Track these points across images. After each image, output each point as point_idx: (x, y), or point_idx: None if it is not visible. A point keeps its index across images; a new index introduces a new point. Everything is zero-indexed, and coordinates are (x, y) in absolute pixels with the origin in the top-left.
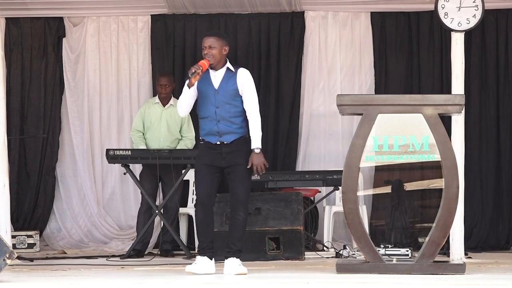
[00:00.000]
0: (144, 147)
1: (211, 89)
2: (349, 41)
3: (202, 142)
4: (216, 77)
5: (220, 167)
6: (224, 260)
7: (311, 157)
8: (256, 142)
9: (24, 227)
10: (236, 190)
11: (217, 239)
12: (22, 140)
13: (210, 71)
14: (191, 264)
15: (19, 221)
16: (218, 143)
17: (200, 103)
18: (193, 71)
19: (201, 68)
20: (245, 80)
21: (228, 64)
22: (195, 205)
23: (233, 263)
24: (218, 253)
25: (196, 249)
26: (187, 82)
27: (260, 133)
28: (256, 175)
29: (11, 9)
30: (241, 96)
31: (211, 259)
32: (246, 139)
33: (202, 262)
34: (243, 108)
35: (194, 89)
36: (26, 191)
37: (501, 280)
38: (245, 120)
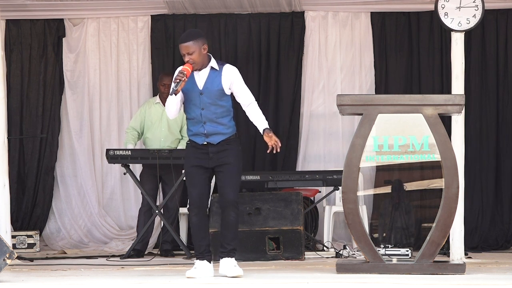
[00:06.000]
0: (132, 146)
1: (195, 90)
2: (349, 41)
3: (189, 142)
4: (200, 77)
5: (208, 167)
6: (219, 260)
7: (311, 157)
8: (264, 124)
9: (23, 227)
10: (225, 190)
11: (215, 239)
12: (22, 140)
13: (194, 71)
14: (190, 264)
15: (18, 221)
16: (205, 143)
17: (186, 104)
18: (178, 80)
19: (185, 74)
20: (232, 77)
21: (212, 62)
22: (188, 209)
23: (228, 264)
24: (216, 253)
25: (194, 253)
26: (172, 88)
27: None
28: (274, 152)
29: (12, 10)
30: (227, 95)
31: (210, 262)
32: (235, 138)
33: (202, 267)
34: (230, 107)
35: (180, 93)
36: (25, 191)
37: (501, 280)
38: (233, 119)
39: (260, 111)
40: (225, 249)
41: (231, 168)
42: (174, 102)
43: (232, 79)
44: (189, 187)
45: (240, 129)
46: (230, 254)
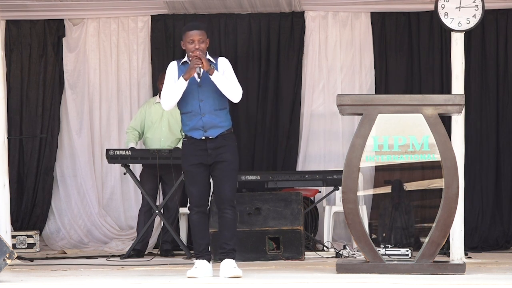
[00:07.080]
0: (133, 145)
1: (194, 82)
2: (349, 41)
3: (185, 139)
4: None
5: (207, 164)
6: (219, 261)
7: (311, 157)
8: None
9: (23, 227)
10: (222, 188)
11: (215, 240)
12: (21, 140)
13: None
14: (190, 264)
15: (18, 221)
16: (203, 138)
17: (183, 98)
18: (197, 65)
19: (201, 61)
20: (224, 67)
21: (208, 55)
22: (189, 208)
23: (227, 265)
24: (216, 253)
25: (194, 252)
26: (197, 73)
27: (229, 83)
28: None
29: (12, 10)
30: None
31: (209, 262)
32: (231, 134)
33: (202, 266)
34: (227, 100)
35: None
36: (25, 191)
37: (501, 280)
38: (229, 113)
39: (230, 81)
40: (224, 249)
41: (229, 165)
42: (182, 89)
43: (223, 68)
44: (189, 186)
45: (240, 128)
46: (229, 255)
